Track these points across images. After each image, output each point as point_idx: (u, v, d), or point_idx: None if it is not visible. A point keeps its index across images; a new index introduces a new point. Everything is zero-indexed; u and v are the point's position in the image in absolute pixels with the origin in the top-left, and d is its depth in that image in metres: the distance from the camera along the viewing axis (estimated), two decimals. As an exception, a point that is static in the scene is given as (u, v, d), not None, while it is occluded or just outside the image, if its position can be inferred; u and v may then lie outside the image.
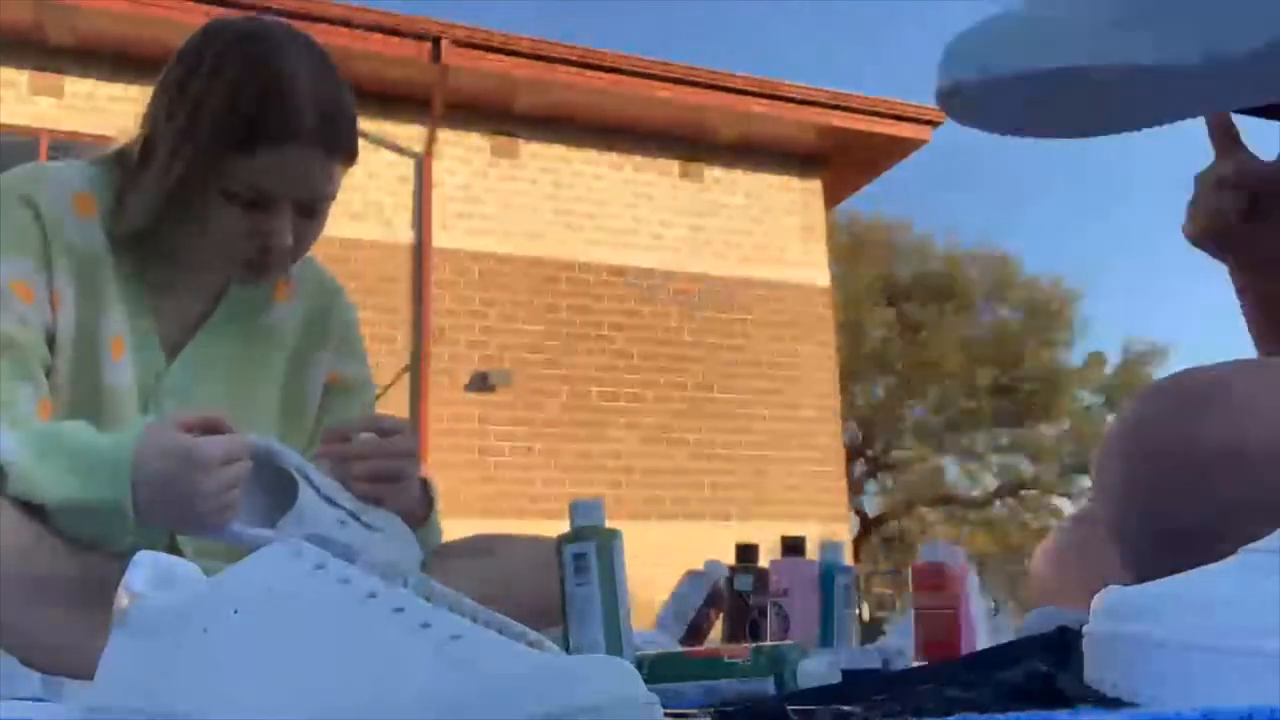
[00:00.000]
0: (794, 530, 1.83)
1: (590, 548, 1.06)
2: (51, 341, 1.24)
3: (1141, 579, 0.70)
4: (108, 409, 1.26)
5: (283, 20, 1.34)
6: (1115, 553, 0.94)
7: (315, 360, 1.46)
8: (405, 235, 8.79)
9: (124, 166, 1.31)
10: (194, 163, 1.23)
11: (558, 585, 1.08)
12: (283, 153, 1.22)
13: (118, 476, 1.07)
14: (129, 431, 1.12)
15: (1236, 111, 1.13)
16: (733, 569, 1.68)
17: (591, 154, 9.56)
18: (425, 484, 1.36)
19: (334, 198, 1.32)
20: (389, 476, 1.25)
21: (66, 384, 1.26)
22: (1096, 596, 0.68)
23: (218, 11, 7.72)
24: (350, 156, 1.31)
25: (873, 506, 19.82)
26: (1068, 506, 19.71)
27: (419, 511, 1.34)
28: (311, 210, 1.30)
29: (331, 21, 8.18)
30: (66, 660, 1.01)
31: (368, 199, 8.71)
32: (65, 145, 8.18)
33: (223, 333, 1.37)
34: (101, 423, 1.24)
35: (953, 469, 20.15)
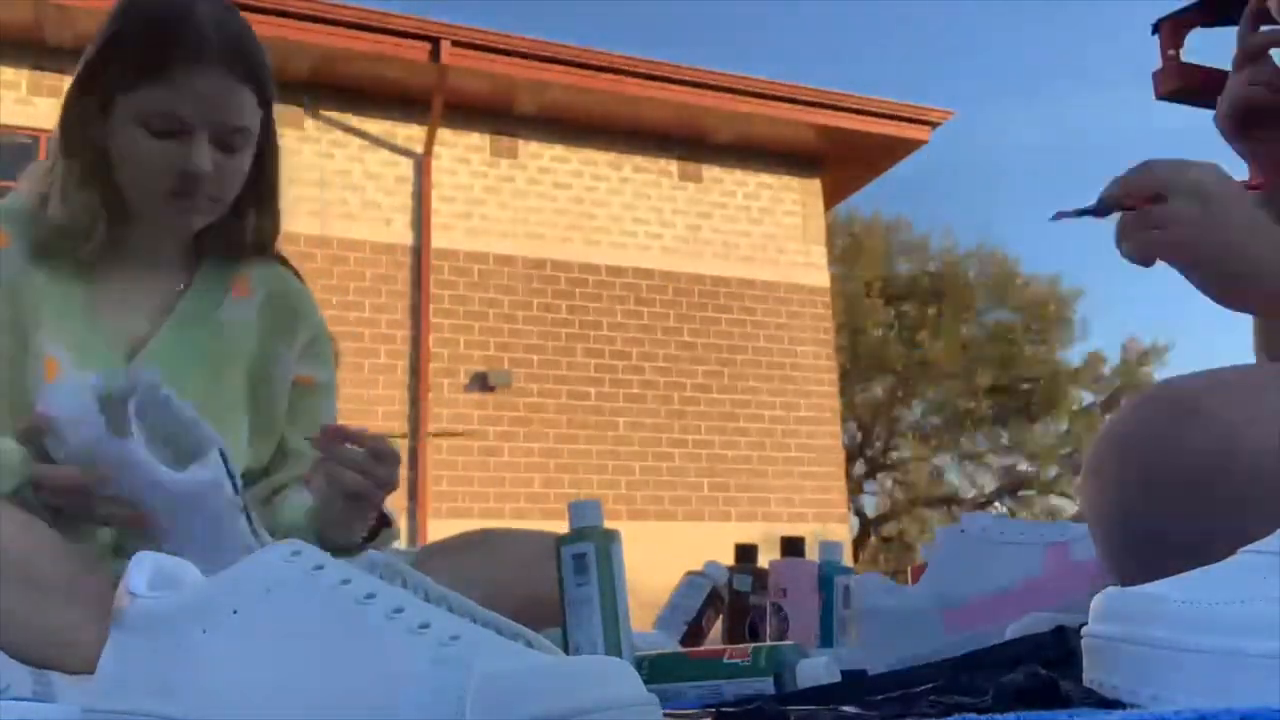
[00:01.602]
0: (793, 530, 1.84)
1: (589, 548, 1.06)
2: None
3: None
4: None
5: None
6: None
7: (280, 356, 1.46)
8: (404, 236, 8.79)
9: (38, 181, 1.36)
10: (105, 102, 1.30)
11: (552, 574, 1.09)
12: (189, 73, 1.27)
13: None
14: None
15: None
16: (732, 569, 1.69)
17: (591, 154, 9.56)
18: (385, 516, 1.37)
19: (251, 134, 1.35)
20: (363, 497, 1.27)
21: (4, 411, 1.27)
22: (1096, 598, 0.68)
23: (217, 12, 7.72)
24: (258, 84, 1.34)
25: (872, 507, 19.82)
26: (1067, 506, 19.73)
27: (356, 537, 1.34)
28: (229, 144, 1.32)
29: (331, 22, 8.18)
30: (55, 655, 1.01)
31: (367, 199, 8.71)
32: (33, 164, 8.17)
33: (180, 332, 1.38)
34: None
35: (952, 469, 20.15)
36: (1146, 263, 1.00)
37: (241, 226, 1.43)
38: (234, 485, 1.14)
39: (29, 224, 1.33)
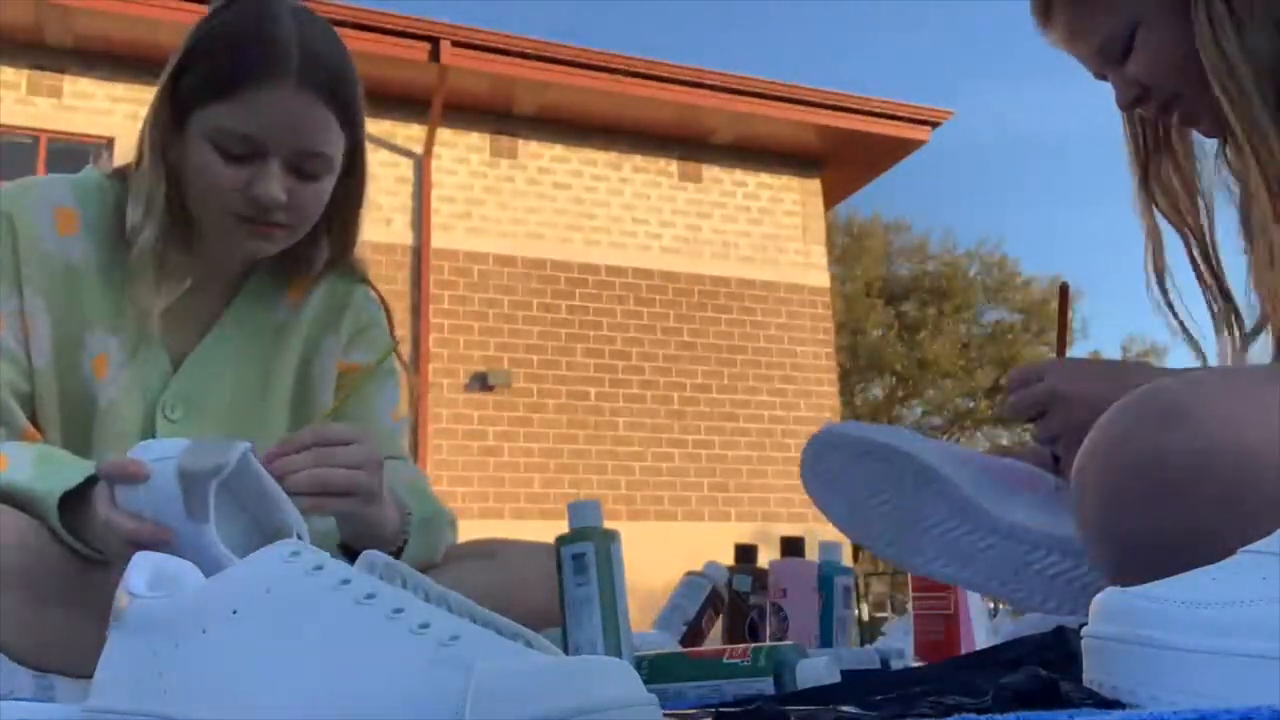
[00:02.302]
0: (793, 530, 1.84)
1: (589, 548, 1.06)
2: (30, 368, 1.22)
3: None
4: (99, 428, 1.24)
5: None
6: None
7: (324, 351, 1.39)
8: (404, 236, 8.79)
9: (125, 175, 1.29)
10: (175, 114, 1.22)
11: (557, 590, 1.08)
12: (263, 93, 1.19)
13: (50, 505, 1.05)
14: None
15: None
16: (732, 570, 1.69)
17: (590, 154, 9.56)
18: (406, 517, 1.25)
19: (333, 161, 1.26)
20: (336, 488, 1.09)
21: (54, 408, 1.24)
22: (1096, 598, 0.68)
23: (217, 12, 7.72)
24: (343, 111, 1.25)
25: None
26: (1067, 507, 19.71)
27: (387, 536, 1.21)
28: (306, 171, 1.24)
29: (331, 21, 8.16)
30: (58, 658, 1.01)
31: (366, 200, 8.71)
32: (64, 146, 8.18)
33: (231, 336, 1.33)
34: (94, 441, 1.22)
35: (952, 469, 20.12)
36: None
37: (311, 252, 1.36)
38: None
39: (104, 213, 1.27)
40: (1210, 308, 1.22)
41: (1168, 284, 1.25)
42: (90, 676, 0.62)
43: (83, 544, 1.07)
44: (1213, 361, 1.22)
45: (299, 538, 1.03)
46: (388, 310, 1.47)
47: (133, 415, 1.25)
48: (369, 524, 1.18)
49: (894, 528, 1.19)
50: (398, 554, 1.22)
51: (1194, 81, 1.11)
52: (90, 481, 1.05)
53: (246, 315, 1.35)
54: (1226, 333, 1.21)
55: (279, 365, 1.36)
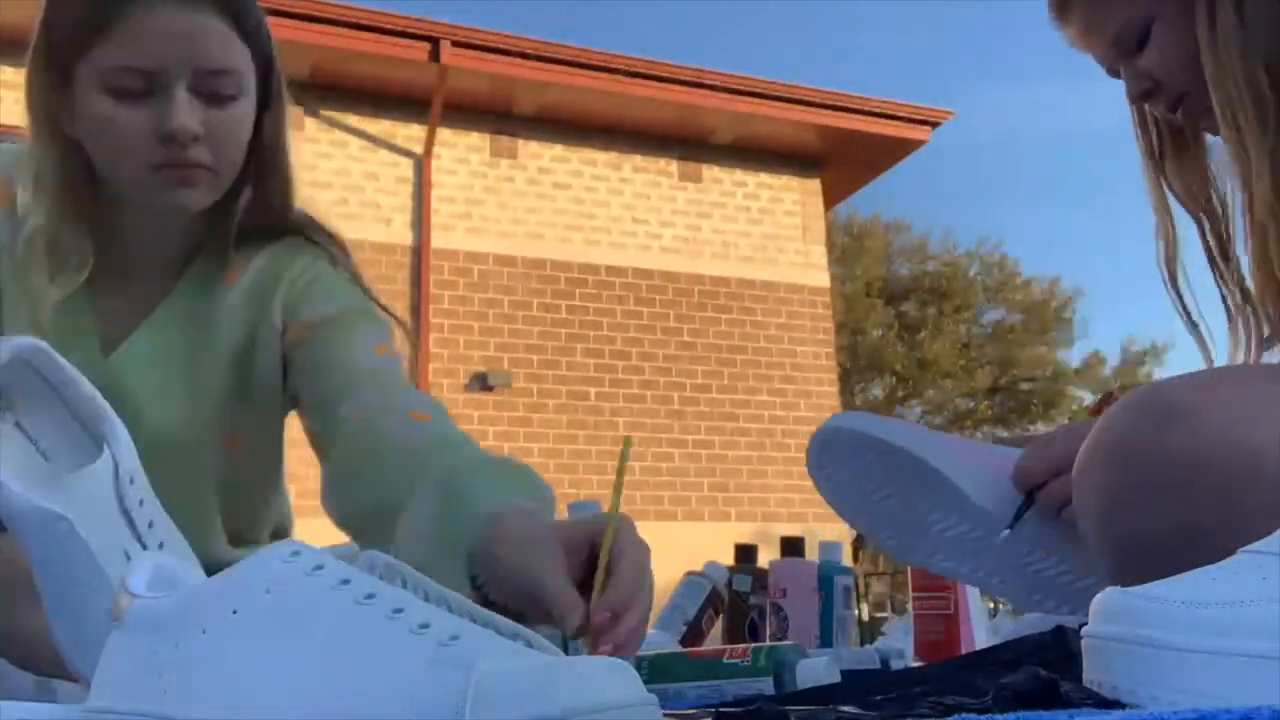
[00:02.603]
0: (793, 531, 1.84)
1: (589, 548, 1.06)
2: None
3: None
4: None
5: None
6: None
7: (260, 338, 1.26)
8: (404, 236, 8.80)
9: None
10: (56, 73, 1.11)
11: None
12: (141, 15, 1.07)
13: None
14: None
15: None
16: (732, 570, 1.69)
17: (590, 154, 9.56)
18: None
19: (240, 78, 1.13)
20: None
21: None
22: (1096, 598, 0.68)
23: (217, 12, 7.72)
24: (242, 22, 1.13)
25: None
26: (1067, 507, 19.71)
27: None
28: (215, 93, 1.10)
29: (331, 22, 8.18)
30: (57, 661, 1.01)
31: (366, 200, 8.72)
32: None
33: (161, 330, 1.24)
34: None
35: (952, 469, 20.11)
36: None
37: (254, 198, 1.23)
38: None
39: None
40: (1225, 302, 1.22)
41: (1179, 275, 1.24)
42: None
43: None
44: (1221, 359, 1.22)
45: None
46: (343, 251, 1.31)
47: None
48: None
49: (896, 523, 1.20)
50: None
51: (1203, 81, 1.12)
52: None
53: (180, 308, 1.25)
54: (1241, 330, 1.20)
55: (208, 355, 1.24)
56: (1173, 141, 1.25)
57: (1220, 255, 1.22)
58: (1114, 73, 1.22)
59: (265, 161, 1.22)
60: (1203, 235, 1.23)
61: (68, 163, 1.13)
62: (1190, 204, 1.24)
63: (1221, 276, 1.22)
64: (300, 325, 1.25)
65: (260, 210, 1.25)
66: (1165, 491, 0.85)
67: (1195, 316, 1.23)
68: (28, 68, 1.14)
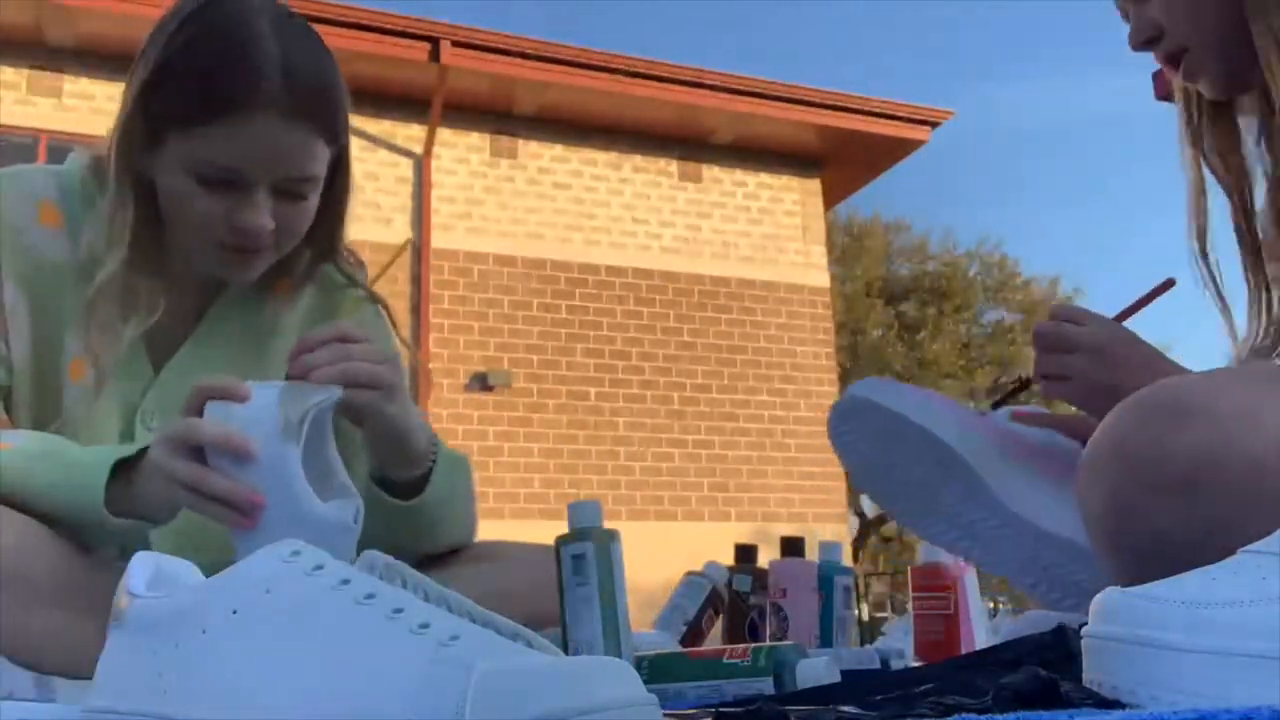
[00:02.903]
0: (793, 530, 1.84)
1: (588, 548, 1.06)
2: (8, 358, 1.17)
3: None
4: (76, 428, 1.17)
5: None
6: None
7: None
8: (404, 235, 8.79)
9: (100, 172, 1.22)
10: (150, 131, 1.14)
11: (556, 596, 1.08)
12: (245, 123, 1.11)
13: (94, 490, 1.02)
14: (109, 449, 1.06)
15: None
16: (732, 570, 1.68)
17: (590, 154, 9.56)
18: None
19: (319, 180, 1.19)
20: (363, 381, 1.06)
21: (28, 401, 1.18)
22: (1096, 598, 0.68)
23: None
24: (329, 131, 1.17)
25: (872, 507, 19.82)
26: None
27: (418, 449, 1.20)
28: (292, 192, 1.17)
29: (331, 22, 8.18)
30: (57, 659, 1.01)
31: (366, 200, 8.72)
32: (64, 146, 8.18)
33: (211, 343, 1.27)
34: (75, 439, 1.16)
35: (952, 469, 20.11)
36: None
37: (292, 259, 1.28)
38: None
39: (85, 210, 1.21)
40: (1247, 280, 1.21)
41: (1208, 245, 1.23)
42: (90, 677, 0.62)
43: (118, 516, 1.04)
44: (1240, 336, 1.21)
45: (356, 510, 1.03)
46: (386, 308, 1.39)
47: (110, 424, 1.20)
48: (396, 428, 1.14)
49: (910, 499, 1.21)
50: (426, 478, 1.23)
51: (1206, 39, 1.12)
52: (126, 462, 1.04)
53: (226, 322, 1.28)
54: (1263, 309, 1.20)
55: (261, 369, 1.28)
56: (1211, 112, 1.23)
57: (1248, 230, 1.21)
58: (1124, 14, 1.21)
59: (325, 223, 1.27)
60: (1234, 209, 1.23)
61: (144, 211, 1.17)
62: (1224, 176, 1.22)
63: (1248, 251, 1.22)
64: None
65: (312, 249, 1.30)
66: (1168, 492, 0.85)
67: (1219, 280, 1.22)
68: (123, 118, 1.16)
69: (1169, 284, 1.23)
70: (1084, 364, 1.15)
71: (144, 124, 1.15)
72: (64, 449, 1.08)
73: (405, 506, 1.22)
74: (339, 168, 1.25)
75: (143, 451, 1.04)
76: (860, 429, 1.21)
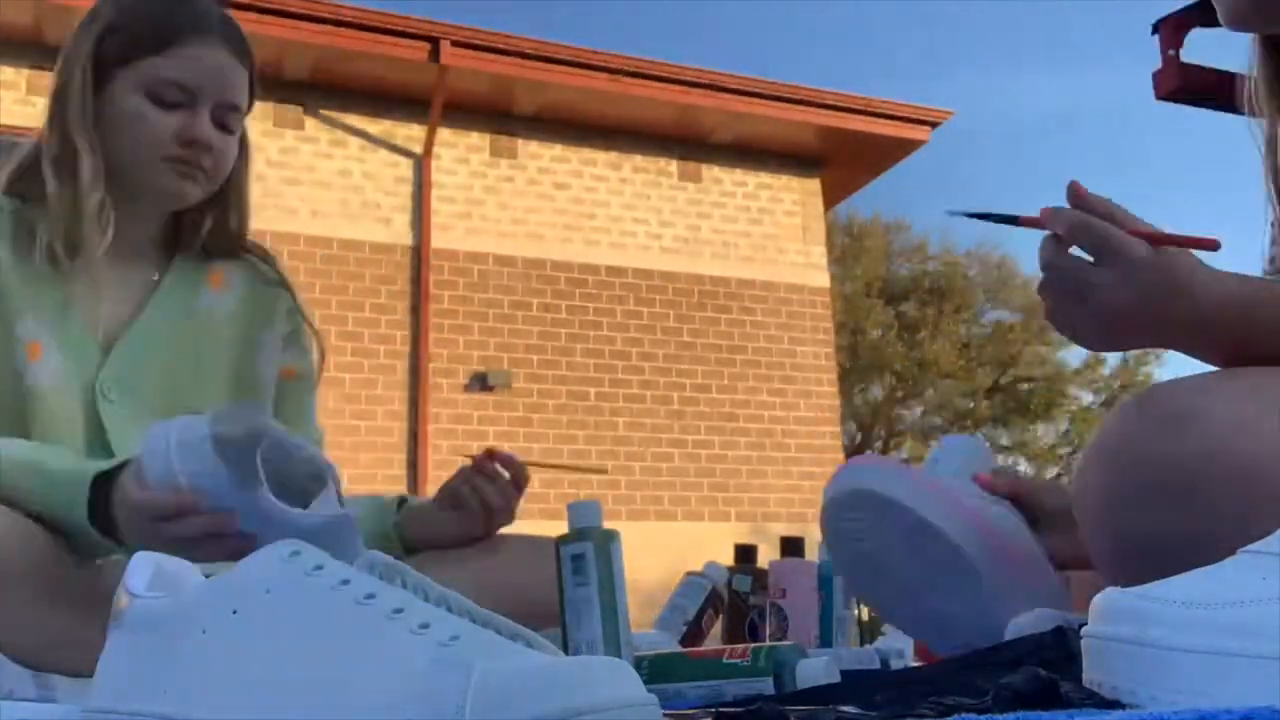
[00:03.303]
0: (793, 531, 1.83)
1: (588, 549, 1.06)
2: None
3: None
4: (32, 409, 1.27)
5: None
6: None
7: (262, 343, 1.47)
8: (404, 236, 8.79)
9: (15, 186, 1.36)
10: (100, 77, 1.32)
11: (555, 584, 1.08)
12: (197, 47, 1.33)
13: (77, 505, 1.08)
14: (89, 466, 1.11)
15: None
16: (732, 570, 1.69)
17: (590, 154, 9.56)
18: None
19: (243, 112, 1.41)
20: (508, 511, 1.44)
21: None
22: (1095, 598, 0.68)
23: (217, 12, 7.72)
24: (253, 77, 1.41)
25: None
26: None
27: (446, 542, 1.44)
28: (225, 123, 1.37)
29: (331, 22, 8.18)
30: (56, 657, 1.01)
31: (366, 200, 8.71)
32: (5, 144, 8.17)
33: (158, 321, 1.39)
34: (28, 422, 1.26)
35: (952, 469, 20.10)
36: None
37: (220, 220, 1.46)
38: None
39: (3, 217, 1.32)
40: None
41: None
42: (90, 676, 0.62)
43: (100, 534, 1.07)
44: None
45: (334, 480, 1.10)
46: (292, 291, 1.54)
47: (71, 398, 1.29)
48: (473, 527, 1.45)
49: (899, 590, 1.18)
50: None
51: None
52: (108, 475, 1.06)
53: (171, 301, 1.41)
54: None
55: (210, 349, 1.43)
56: None
57: None
58: None
59: (233, 190, 1.46)
60: None
61: (94, 156, 1.32)
62: None
63: None
64: (286, 368, 1.50)
65: (221, 232, 1.47)
66: (1165, 495, 0.85)
67: None
68: (63, 74, 1.35)
69: (1213, 243, 1.01)
70: (1092, 323, 0.99)
71: (93, 69, 1.33)
72: (45, 459, 1.11)
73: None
74: (238, 162, 1.44)
75: (121, 466, 1.06)
76: (864, 520, 1.14)
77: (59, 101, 1.34)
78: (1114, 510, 0.89)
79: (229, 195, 1.46)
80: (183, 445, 1.03)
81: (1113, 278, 0.93)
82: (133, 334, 1.36)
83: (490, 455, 1.45)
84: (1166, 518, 0.85)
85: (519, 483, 1.48)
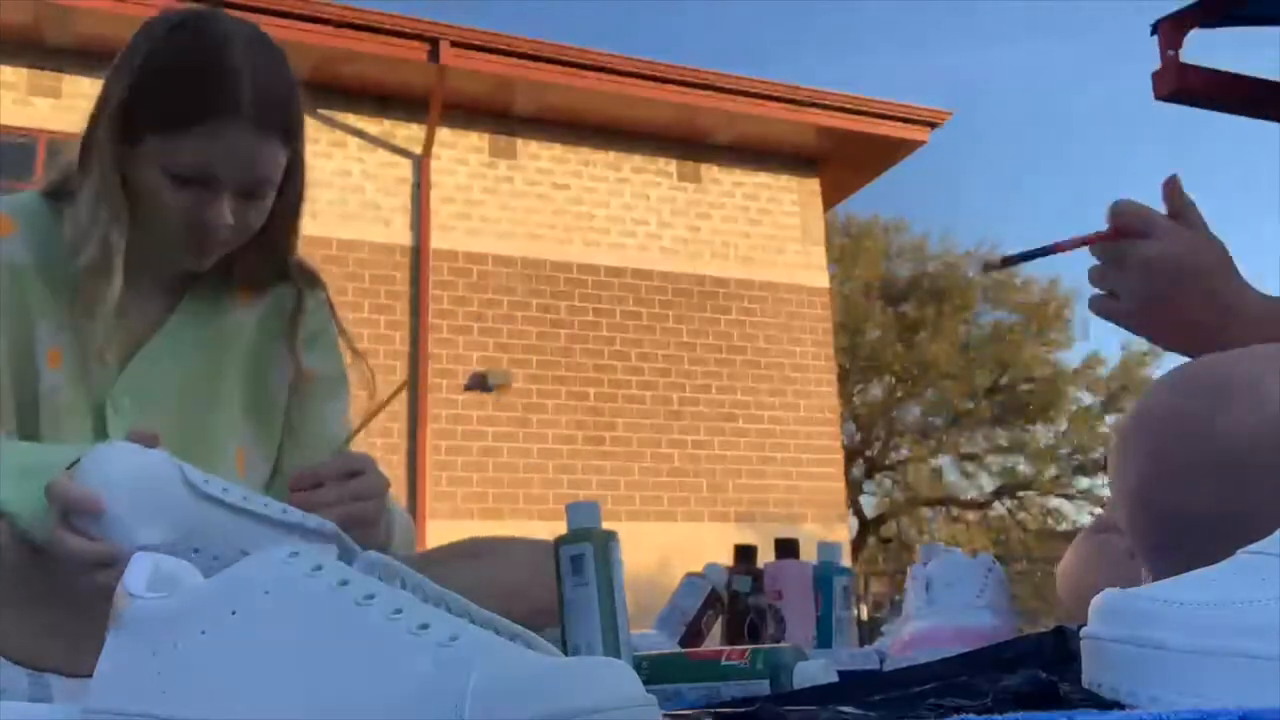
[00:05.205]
0: (792, 532, 1.83)
1: (587, 549, 1.06)
2: None
3: (1159, 574, 0.69)
4: (48, 415, 1.27)
5: (221, 9, 1.37)
6: (1130, 553, 0.92)
7: (276, 355, 1.44)
8: (403, 236, 8.79)
9: (57, 192, 1.34)
10: (127, 134, 1.27)
11: (554, 589, 1.08)
12: (216, 131, 1.24)
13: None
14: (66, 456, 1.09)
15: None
16: (731, 571, 1.68)
17: (589, 155, 9.56)
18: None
19: (277, 182, 1.32)
20: (359, 521, 1.19)
21: (8, 395, 1.27)
22: (1095, 599, 0.68)
23: (216, 12, 7.72)
24: (291, 136, 1.31)
25: (871, 507, 19.83)
26: (1066, 507, 19.73)
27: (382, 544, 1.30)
28: (252, 193, 1.29)
29: (330, 22, 8.18)
30: (53, 657, 1.01)
31: (366, 200, 8.71)
32: (63, 146, 8.17)
33: (179, 335, 1.37)
34: (44, 428, 1.26)
35: (951, 470, 20.16)
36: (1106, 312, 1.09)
37: (249, 259, 1.40)
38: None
39: (37, 221, 1.32)
40: None
41: None
42: (88, 676, 0.62)
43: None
44: None
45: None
46: (333, 309, 1.50)
47: (83, 408, 1.29)
48: (374, 542, 1.23)
49: None
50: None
51: None
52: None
53: (193, 315, 1.39)
54: None
55: (227, 365, 1.40)
56: None
57: None
58: None
59: (280, 226, 1.39)
60: None
61: (111, 193, 1.28)
62: None
63: None
64: (306, 370, 1.44)
65: (268, 251, 1.40)
66: (1208, 470, 0.82)
67: None
68: (102, 120, 1.29)
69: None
70: (1134, 284, 1.05)
71: (124, 124, 1.27)
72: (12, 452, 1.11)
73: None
74: (293, 172, 1.35)
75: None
76: None
77: (91, 135, 1.31)
78: (1157, 482, 0.85)
79: (271, 232, 1.38)
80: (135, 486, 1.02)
81: (1161, 243, 1.04)
82: (150, 348, 1.35)
83: (301, 484, 1.21)
84: (1212, 493, 0.81)
85: (352, 473, 1.23)
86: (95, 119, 1.31)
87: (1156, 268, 1.04)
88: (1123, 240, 1.06)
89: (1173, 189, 1.08)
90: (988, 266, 1.17)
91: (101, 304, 1.27)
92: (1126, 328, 1.10)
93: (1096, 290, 1.10)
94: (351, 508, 1.19)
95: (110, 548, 0.99)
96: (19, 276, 1.28)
